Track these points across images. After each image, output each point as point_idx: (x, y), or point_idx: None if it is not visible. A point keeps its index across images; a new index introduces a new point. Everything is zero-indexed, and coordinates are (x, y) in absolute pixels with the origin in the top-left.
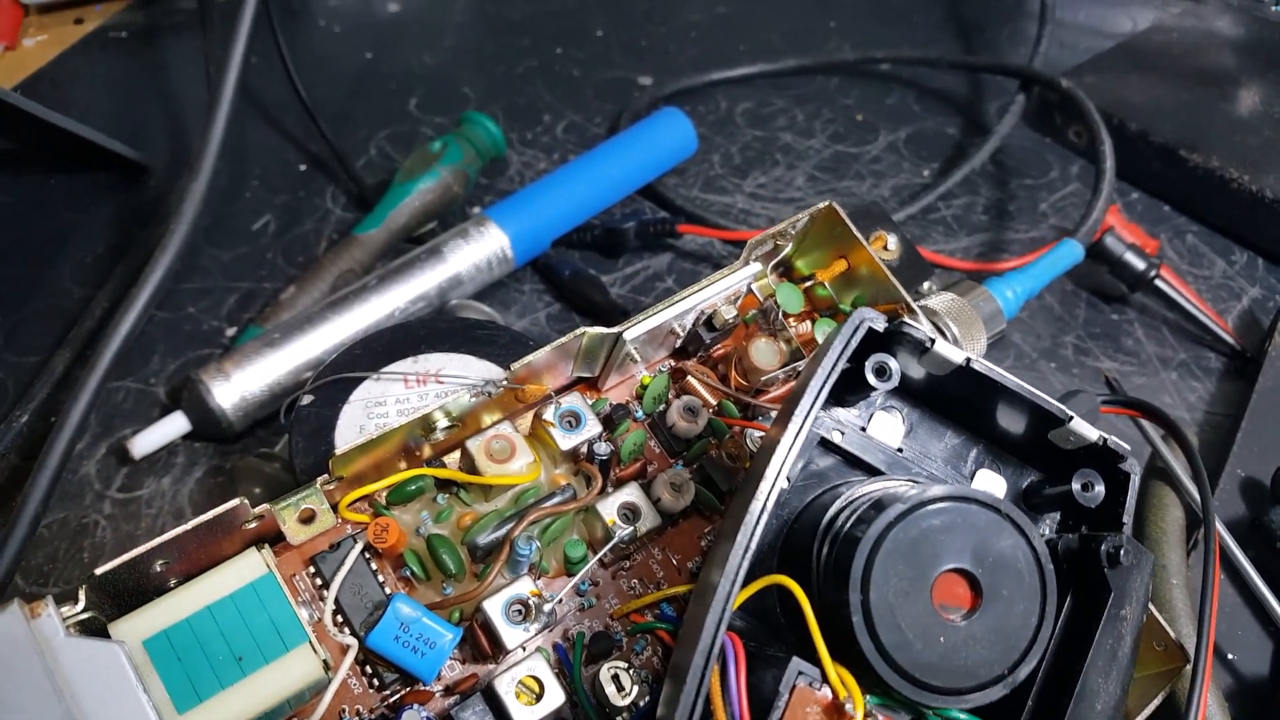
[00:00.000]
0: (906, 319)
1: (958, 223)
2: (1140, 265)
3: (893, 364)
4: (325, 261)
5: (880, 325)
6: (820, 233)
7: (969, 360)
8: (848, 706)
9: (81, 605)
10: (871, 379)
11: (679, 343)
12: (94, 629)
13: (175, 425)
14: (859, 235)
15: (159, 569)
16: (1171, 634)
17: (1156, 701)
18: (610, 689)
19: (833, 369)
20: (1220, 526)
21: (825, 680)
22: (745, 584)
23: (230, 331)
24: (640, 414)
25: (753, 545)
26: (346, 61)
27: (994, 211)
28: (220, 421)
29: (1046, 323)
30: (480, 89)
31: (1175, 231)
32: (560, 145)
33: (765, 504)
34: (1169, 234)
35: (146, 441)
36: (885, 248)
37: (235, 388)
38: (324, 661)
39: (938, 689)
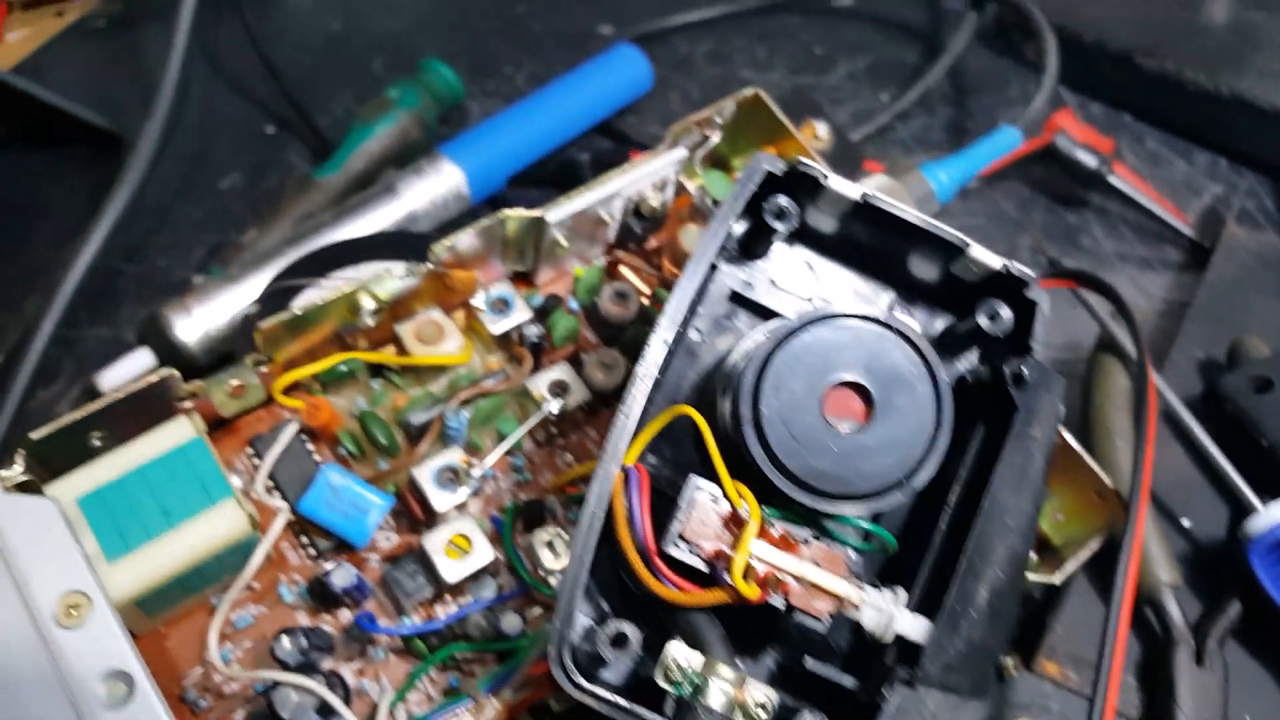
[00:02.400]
0: (802, 159)
1: (916, 142)
2: (1092, 162)
3: (790, 204)
4: (284, 205)
5: (778, 168)
6: (749, 122)
7: (865, 195)
8: (743, 512)
9: (19, 469)
10: (770, 221)
11: (612, 236)
12: (31, 491)
13: (140, 360)
14: (787, 121)
15: (97, 443)
16: (1108, 480)
17: (1095, 544)
18: (544, 553)
19: (730, 212)
20: (1176, 400)
21: (725, 496)
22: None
23: (199, 280)
24: (575, 305)
25: (650, 374)
26: (314, 33)
27: (952, 130)
28: (183, 355)
29: (1002, 226)
30: (443, 47)
31: (1135, 138)
32: (521, 94)
33: (664, 337)
34: (1129, 140)
35: (112, 376)
36: (815, 136)
37: (197, 322)
38: (250, 516)
39: (831, 494)
